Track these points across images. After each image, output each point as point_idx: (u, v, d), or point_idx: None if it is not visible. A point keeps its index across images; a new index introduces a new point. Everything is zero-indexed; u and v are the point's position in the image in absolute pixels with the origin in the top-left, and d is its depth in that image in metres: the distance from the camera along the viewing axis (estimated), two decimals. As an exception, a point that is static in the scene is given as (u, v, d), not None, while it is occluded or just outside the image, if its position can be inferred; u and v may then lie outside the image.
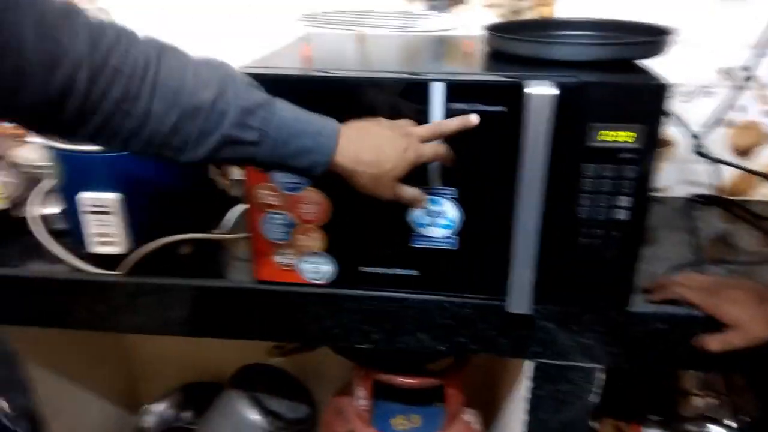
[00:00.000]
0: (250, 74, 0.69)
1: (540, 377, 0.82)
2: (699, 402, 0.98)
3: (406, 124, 0.66)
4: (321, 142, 0.61)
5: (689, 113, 1.04)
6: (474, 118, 0.66)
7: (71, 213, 0.84)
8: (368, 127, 0.64)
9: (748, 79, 1.00)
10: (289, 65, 0.73)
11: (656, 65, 0.72)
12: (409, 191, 0.67)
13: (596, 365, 0.80)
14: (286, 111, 0.60)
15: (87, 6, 0.62)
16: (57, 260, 0.86)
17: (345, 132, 0.62)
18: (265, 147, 0.59)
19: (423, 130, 0.66)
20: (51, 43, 0.49)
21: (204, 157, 0.58)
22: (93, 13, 0.53)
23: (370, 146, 0.62)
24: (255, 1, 1.01)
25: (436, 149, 0.66)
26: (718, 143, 1.06)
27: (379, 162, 0.63)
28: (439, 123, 0.67)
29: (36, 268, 0.86)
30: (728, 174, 1.08)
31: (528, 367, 0.82)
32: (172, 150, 0.57)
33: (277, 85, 0.69)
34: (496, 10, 1.03)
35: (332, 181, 0.70)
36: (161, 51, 0.55)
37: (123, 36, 0.53)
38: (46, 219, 0.92)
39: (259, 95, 0.59)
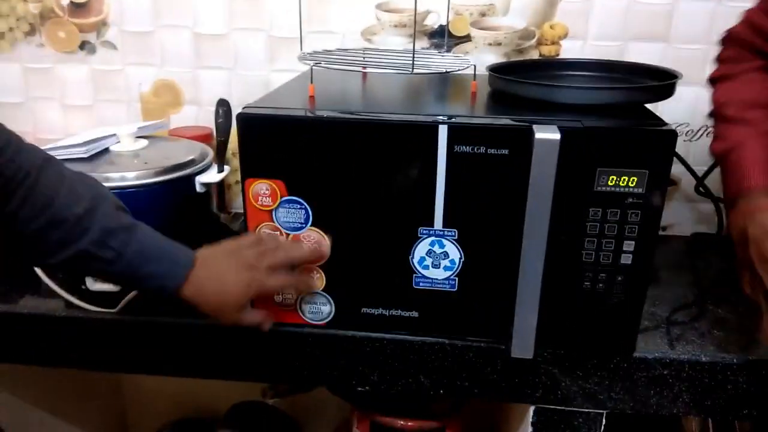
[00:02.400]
0: (254, 114, 0.69)
1: (542, 423, 0.80)
2: (703, 447, 0.96)
3: (256, 253, 0.68)
4: (174, 269, 0.65)
5: (693, 152, 1.04)
6: (325, 250, 0.71)
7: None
8: (216, 258, 0.67)
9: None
10: (293, 105, 0.73)
11: (662, 104, 0.72)
12: (250, 318, 0.70)
13: (600, 411, 0.78)
14: (147, 238, 0.64)
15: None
16: (53, 296, 0.84)
17: (196, 263, 0.66)
18: (118, 266, 0.62)
19: (273, 259, 0.68)
20: None
21: (57, 264, 0.61)
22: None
23: (215, 280, 0.66)
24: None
25: (282, 281, 0.69)
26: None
27: (221, 294, 0.66)
28: (290, 254, 0.69)
29: (30, 304, 0.84)
30: (730, 213, 1.08)
31: (531, 411, 0.80)
32: (31, 252, 0.61)
33: (279, 125, 0.69)
34: (501, 49, 1.03)
35: (334, 222, 0.70)
36: (44, 162, 0.60)
37: (12, 142, 0.59)
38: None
39: (126, 218, 0.64)
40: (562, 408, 0.78)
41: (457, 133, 0.66)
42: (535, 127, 0.64)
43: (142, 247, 0.63)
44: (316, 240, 0.72)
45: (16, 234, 0.59)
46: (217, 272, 0.66)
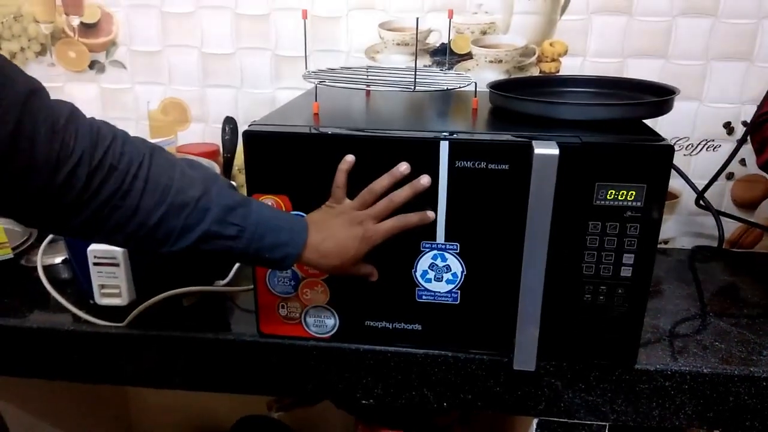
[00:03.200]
0: (259, 131, 0.71)
1: (546, 435, 0.80)
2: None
3: (355, 209, 0.69)
4: (293, 236, 0.65)
5: (694, 166, 1.05)
6: (425, 181, 0.68)
7: (77, 263, 0.84)
8: (326, 220, 0.69)
9: (750, 133, 1.01)
10: (297, 122, 0.74)
11: (662, 119, 0.73)
12: (365, 269, 0.72)
13: (602, 423, 0.78)
14: (263, 209, 0.65)
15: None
16: (61, 310, 0.85)
17: (310, 228, 0.67)
18: (242, 241, 0.63)
19: (375, 210, 0.69)
20: (58, 145, 0.52)
21: (184, 249, 0.61)
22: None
23: (331, 240, 0.67)
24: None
25: (392, 225, 0.69)
26: (723, 196, 1.07)
27: (340, 253, 0.68)
28: (389, 198, 0.69)
29: (39, 318, 0.85)
30: (732, 227, 1.08)
31: (534, 424, 0.81)
32: (155, 242, 0.60)
33: (284, 142, 0.70)
34: (502, 66, 1.05)
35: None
36: (152, 151, 0.60)
37: (118, 136, 0.58)
38: (51, 269, 0.92)
39: (239, 195, 0.64)
40: (565, 420, 0.79)
41: (458, 148, 0.67)
42: (534, 142, 0.65)
43: (260, 219, 0.63)
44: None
45: (139, 226, 0.58)
46: (332, 233, 0.67)
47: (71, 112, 0.55)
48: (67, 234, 0.69)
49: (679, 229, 1.11)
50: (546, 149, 0.64)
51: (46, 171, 0.52)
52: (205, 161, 0.95)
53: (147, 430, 1.37)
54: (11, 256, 0.96)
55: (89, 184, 0.55)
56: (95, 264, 0.80)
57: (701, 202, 1.02)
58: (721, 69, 1.01)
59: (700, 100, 1.03)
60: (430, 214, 0.70)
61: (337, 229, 0.68)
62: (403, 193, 0.69)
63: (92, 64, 1.13)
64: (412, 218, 0.69)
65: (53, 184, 0.53)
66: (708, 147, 1.05)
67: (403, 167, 0.68)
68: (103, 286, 0.82)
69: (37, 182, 0.52)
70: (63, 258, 0.94)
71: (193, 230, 0.60)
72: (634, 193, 0.66)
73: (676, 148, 1.05)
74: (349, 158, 0.69)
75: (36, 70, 1.14)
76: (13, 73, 0.52)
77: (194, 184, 0.60)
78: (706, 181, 1.01)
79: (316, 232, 0.67)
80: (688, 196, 1.07)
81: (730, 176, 1.06)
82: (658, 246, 1.10)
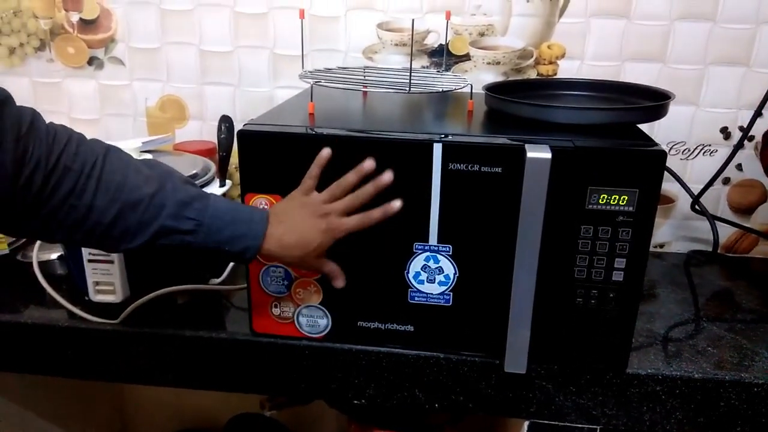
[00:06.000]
0: (254, 131, 0.71)
1: (537, 438, 0.81)
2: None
3: (321, 202, 0.68)
4: (252, 227, 0.65)
5: (690, 171, 1.05)
6: (386, 178, 0.67)
7: (72, 260, 0.85)
8: (289, 211, 0.68)
9: (748, 138, 1.01)
10: (293, 122, 0.74)
11: (658, 123, 0.73)
12: (329, 267, 0.71)
13: (593, 426, 0.78)
14: (220, 202, 0.65)
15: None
16: (55, 306, 0.86)
17: (271, 219, 0.67)
18: (200, 235, 0.63)
19: (341, 204, 0.68)
20: (22, 152, 0.55)
21: (141, 245, 0.62)
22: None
23: (293, 232, 0.67)
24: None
25: (356, 220, 0.68)
26: (719, 201, 1.07)
27: (301, 244, 0.67)
28: (355, 194, 0.68)
29: (34, 314, 0.86)
30: (728, 231, 1.08)
31: (525, 426, 0.81)
32: (112, 240, 0.62)
33: (279, 142, 0.70)
34: (499, 68, 1.05)
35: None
36: (107, 151, 0.61)
37: (73, 138, 0.60)
38: (46, 265, 0.92)
39: (195, 190, 0.65)
40: (556, 423, 0.79)
41: (452, 151, 0.67)
42: (527, 146, 0.65)
43: (218, 212, 0.64)
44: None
45: (95, 225, 0.60)
46: (293, 224, 0.67)
47: (33, 118, 0.57)
48: (29, 235, 0.70)
49: (674, 233, 1.11)
50: (539, 153, 0.65)
51: (8, 176, 0.54)
52: (200, 159, 0.95)
53: (140, 426, 1.37)
54: (7, 251, 0.96)
55: (45, 185, 0.57)
56: (90, 261, 0.81)
57: (697, 206, 1.02)
58: (718, 74, 1.01)
59: (698, 105, 1.03)
60: (395, 204, 0.68)
61: (300, 220, 0.67)
62: (367, 189, 0.68)
63: (91, 61, 1.14)
64: (374, 214, 0.68)
65: (14, 187, 0.55)
66: (705, 152, 1.05)
67: (368, 163, 0.68)
68: (97, 283, 0.82)
69: (1, 187, 0.54)
70: (58, 254, 0.94)
71: (149, 226, 0.61)
72: (626, 197, 0.66)
73: (673, 152, 1.05)
74: (325, 152, 0.69)
75: (35, 65, 1.14)
76: None
77: (149, 182, 0.61)
78: (702, 186, 1.01)
79: (278, 224, 0.67)
80: (683, 201, 1.07)
81: (726, 181, 1.06)
82: (653, 250, 1.11)
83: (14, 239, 0.99)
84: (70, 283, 0.88)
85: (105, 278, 0.82)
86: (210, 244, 0.64)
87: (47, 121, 0.60)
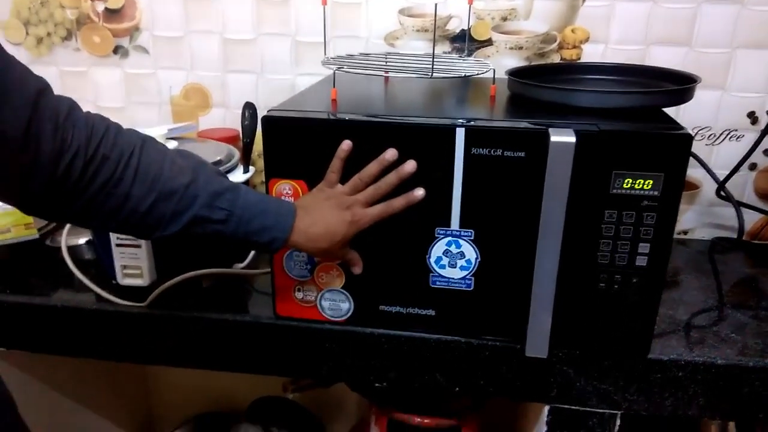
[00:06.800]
0: (278, 117, 0.72)
1: (557, 422, 0.81)
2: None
3: (345, 194, 0.70)
4: (280, 220, 0.67)
5: (716, 156, 1.04)
6: (409, 167, 0.69)
7: (100, 244, 0.86)
8: (315, 204, 0.70)
9: (773, 124, 1.00)
10: (316, 108, 0.75)
11: (684, 107, 0.72)
12: (350, 255, 0.74)
13: (614, 411, 0.79)
14: (250, 194, 0.67)
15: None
16: (84, 290, 0.88)
17: (298, 212, 0.68)
18: (231, 225, 0.65)
19: (364, 195, 0.70)
20: (60, 141, 0.56)
21: (175, 233, 0.64)
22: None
23: (319, 224, 0.68)
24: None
25: (380, 210, 0.70)
26: (744, 187, 1.06)
27: (328, 236, 0.69)
28: (377, 185, 0.70)
29: (63, 297, 0.88)
30: (753, 218, 1.07)
31: (545, 411, 0.81)
32: (146, 228, 0.63)
33: (302, 128, 0.71)
34: (522, 53, 1.04)
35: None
36: (143, 142, 0.62)
37: (111, 128, 0.61)
38: (75, 249, 0.94)
39: (227, 181, 0.67)
40: (577, 408, 0.79)
41: (474, 135, 0.67)
42: (551, 130, 0.65)
43: (248, 204, 0.66)
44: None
45: (131, 213, 0.61)
46: (320, 216, 0.69)
47: (70, 108, 0.58)
48: (65, 221, 0.72)
49: (698, 219, 1.09)
50: (563, 137, 0.64)
51: (48, 164, 0.56)
52: (224, 146, 0.96)
53: (165, 408, 1.40)
54: (37, 236, 0.98)
55: (84, 174, 0.58)
56: (118, 245, 0.82)
57: (722, 192, 1.01)
58: (746, 57, 0.99)
59: (724, 89, 1.01)
60: (418, 192, 0.70)
61: (326, 212, 0.69)
62: (389, 179, 0.70)
63: (116, 49, 1.15)
64: (398, 202, 0.70)
65: (54, 176, 0.56)
66: (731, 137, 1.03)
67: (389, 154, 0.69)
68: (125, 267, 0.84)
69: (39, 174, 0.56)
70: (87, 239, 0.96)
71: (183, 215, 0.63)
72: (651, 182, 0.66)
73: (698, 137, 1.04)
74: (345, 145, 0.70)
75: (62, 54, 1.16)
76: (25, 74, 0.55)
77: (183, 172, 0.63)
78: (728, 172, 1.00)
79: (305, 216, 0.68)
80: (708, 187, 1.05)
81: (752, 167, 1.05)
82: (677, 236, 1.10)
83: (44, 225, 1.01)
84: (99, 267, 0.90)
85: (132, 262, 0.83)
86: (240, 234, 0.66)
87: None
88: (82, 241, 0.96)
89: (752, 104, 1.01)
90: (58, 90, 0.58)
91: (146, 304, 0.84)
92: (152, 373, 1.38)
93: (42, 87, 0.56)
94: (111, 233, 0.82)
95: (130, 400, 1.33)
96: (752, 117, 1.02)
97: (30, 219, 0.97)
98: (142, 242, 0.82)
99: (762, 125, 1.01)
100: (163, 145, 0.65)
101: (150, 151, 0.62)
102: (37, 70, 0.57)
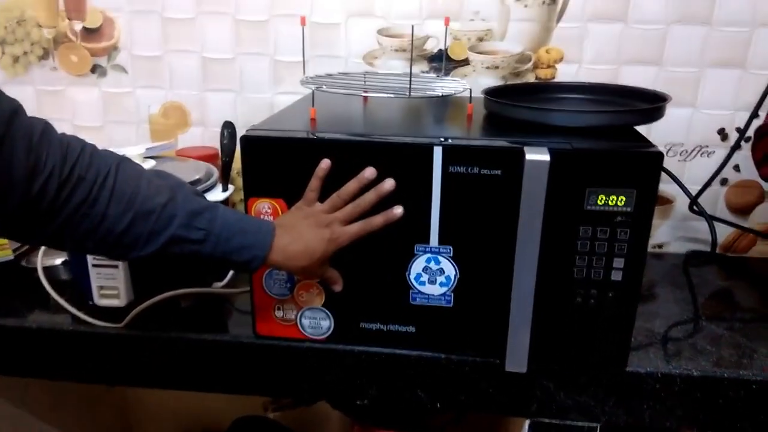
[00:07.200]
0: (257, 136, 0.72)
1: (538, 437, 0.81)
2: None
3: (324, 212, 0.71)
4: (259, 238, 0.67)
5: (688, 172, 1.06)
6: (388, 185, 0.70)
7: (76, 265, 0.86)
8: (294, 223, 0.70)
9: (745, 140, 1.02)
10: (295, 127, 0.75)
11: (656, 125, 0.74)
12: (330, 273, 0.74)
13: (593, 424, 0.79)
14: (228, 213, 0.67)
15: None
16: (60, 311, 0.86)
17: (277, 230, 0.68)
18: (209, 245, 0.65)
19: (343, 213, 0.70)
20: (34, 161, 0.56)
21: (152, 253, 0.63)
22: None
23: (298, 242, 0.69)
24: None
25: (358, 228, 0.70)
26: (717, 201, 1.08)
27: (307, 254, 0.69)
28: (356, 203, 0.71)
29: (38, 319, 0.86)
30: (726, 231, 1.09)
31: (526, 425, 0.82)
32: (123, 248, 0.63)
33: (281, 146, 0.71)
34: (498, 72, 1.06)
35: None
36: (119, 162, 0.62)
37: (86, 149, 0.61)
38: (50, 270, 0.93)
39: (205, 201, 0.67)
40: (558, 422, 0.80)
41: (452, 154, 0.68)
42: (526, 148, 0.66)
43: (226, 223, 0.65)
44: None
45: (107, 233, 0.61)
46: (299, 235, 0.69)
47: (44, 128, 0.58)
48: (40, 243, 0.72)
49: (673, 233, 1.11)
50: (537, 155, 0.66)
51: (21, 185, 0.55)
52: (203, 165, 0.96)
53: (144, 429, 1.38)
54: (12, 257, 0.97)
55: (59, 194, 0.58)
56: (94, 265, 0.82)
57: (695, 207, 1.03)
58: (715, 76, 1.02)
59: (695, 107, 1.04)
60: (396, 210, 0.71)
61: (305, 230, 0.69)
62: (368, 197, 0.70)
63: (94, 68, 1.15)
64: (377, 220, 0.71)
65: (28, 196, 0.56)
66: (702, 153, 1.06)
67: (368, 172, 0.70)
68: (102, 287, 0.83)
69: (13, 195, 0.56)
70: (63, 260, 0.95)
71: (161, 235, 0.62)
72: (624, 198, 0.67)
73: (671, 154, 1.06)
74: (325, 164, 0.70)
75: (38, 74, 1.15)
76: None
77: (160, 192, 0.63)
78: (700, 187, 1.02)
79: (284, 234, 0.69)
80: (682, 202, 1.08)
81: (723, 182, 1.08)
82: (653, 250, 1.12)
83: (19, 245, 1.00)
84: (75, 287, 0.89)
85: (109, 283, 0.83)
86: (218, 253, 0.66)
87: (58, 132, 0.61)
88: (58, 261, 0.95)
89: (722, 121, 1.04)
90: (34, 109, 0.58)
91: (123, 325, 0.83)
92: (131, 395, 1.36)
93: (15, 107, 0.56)
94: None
95: (109, 423, 1.31)
96: (722, 134, 1.05)
97: (4, 240, 0.95)
98: (119, 262, 0.81)
99: (732, 141, 1.04)
100: (140, 165, 0.65)
101: (126, 170, 0.62)
102: (14, 89, 0.57)
